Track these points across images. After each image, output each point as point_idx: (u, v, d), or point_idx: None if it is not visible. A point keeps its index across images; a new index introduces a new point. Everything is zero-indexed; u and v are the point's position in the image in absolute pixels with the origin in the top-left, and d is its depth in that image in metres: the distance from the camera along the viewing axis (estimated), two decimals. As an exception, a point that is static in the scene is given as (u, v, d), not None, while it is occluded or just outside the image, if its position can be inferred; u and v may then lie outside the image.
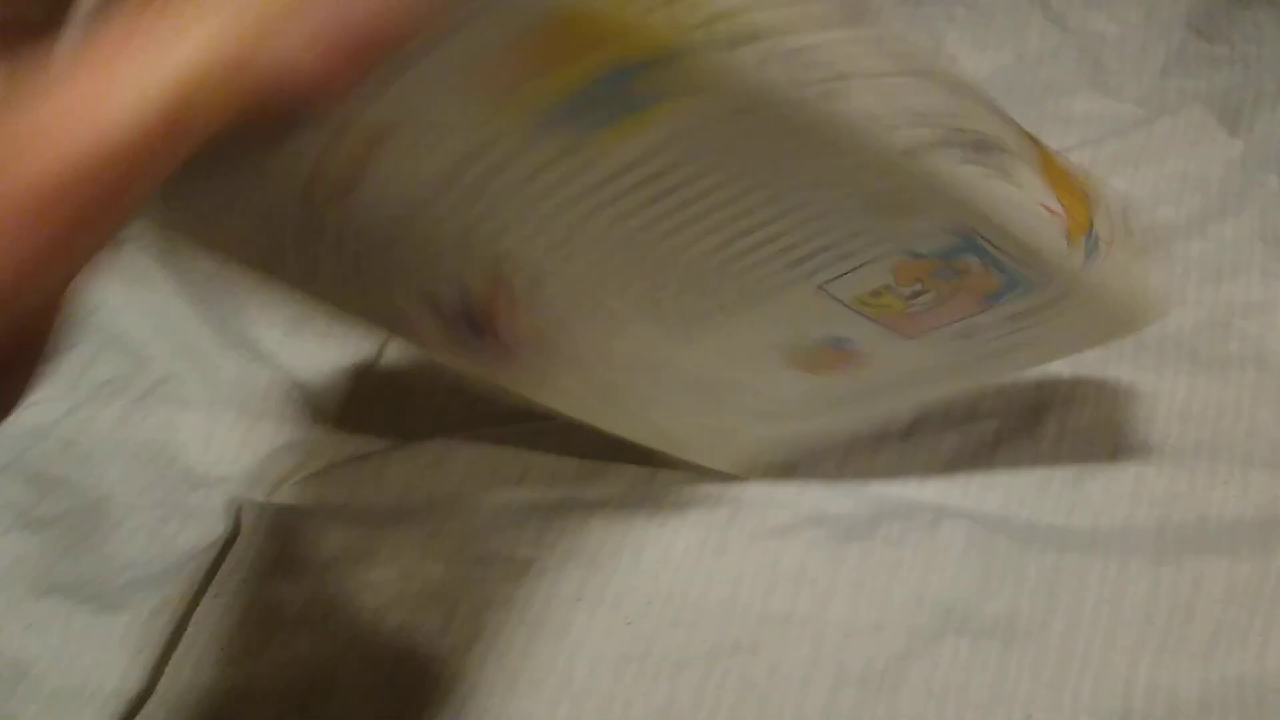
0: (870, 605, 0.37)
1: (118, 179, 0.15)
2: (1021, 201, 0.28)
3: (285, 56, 0.16)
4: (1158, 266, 0.33)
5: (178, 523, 0.42)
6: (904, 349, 0.33)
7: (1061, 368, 0.43)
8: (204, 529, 0.41)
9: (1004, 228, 0.28)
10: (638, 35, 0.20)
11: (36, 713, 0.37)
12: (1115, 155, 0.50)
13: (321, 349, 0.45)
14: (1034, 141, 0.29)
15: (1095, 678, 0.35)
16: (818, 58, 0.22)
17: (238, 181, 0.21)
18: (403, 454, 0.42)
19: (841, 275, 0.29)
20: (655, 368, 0.33)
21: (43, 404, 0.43)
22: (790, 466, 0.40)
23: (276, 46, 0.16)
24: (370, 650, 0.38)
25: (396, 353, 0.45)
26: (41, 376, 0.19)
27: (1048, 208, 0.28)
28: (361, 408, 0.44)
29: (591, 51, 0.21)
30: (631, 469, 0.41)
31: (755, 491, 0.40)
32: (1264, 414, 0.41)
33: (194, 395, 0.44)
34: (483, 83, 0.21)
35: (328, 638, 0.38)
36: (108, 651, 0.38)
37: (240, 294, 0.46)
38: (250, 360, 0.44)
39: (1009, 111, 0.28)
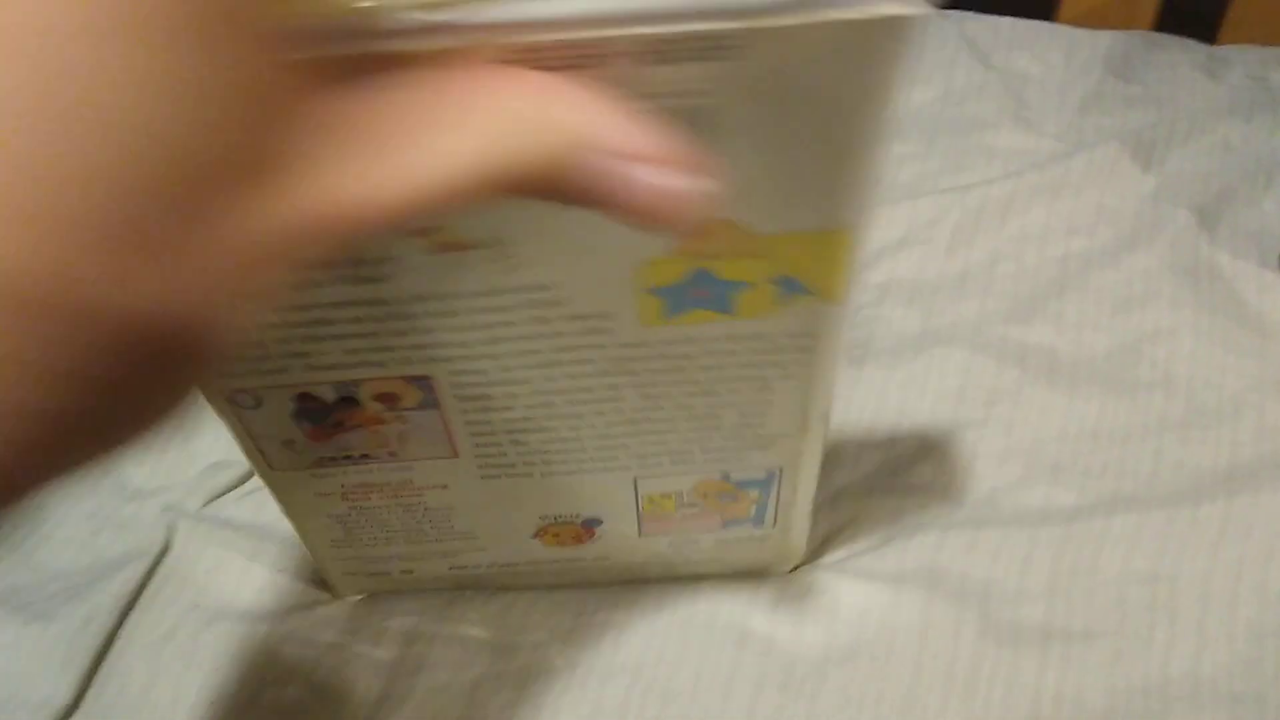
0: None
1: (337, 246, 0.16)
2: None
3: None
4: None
5: (110, 534, 0.42)
6: (631, 542, 0.37)
7: (979, 391, 0.44)
8: (136, 540, 0.41)
9: (809, 469, 0.34)
10: None
11: (-38, 722, 0.37)
12: (1035, 187, 0.52)
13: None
14: None
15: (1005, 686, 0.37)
16: None
17: None
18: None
19: (653, 483, 0.34)
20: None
21: None
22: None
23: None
24: (301, 663, 0.38)
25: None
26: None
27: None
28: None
29: None
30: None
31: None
32: (1169, 437, 0.43)
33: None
34: None
35: (259, 649, 0.38)
36: (35, 662, 0.38)
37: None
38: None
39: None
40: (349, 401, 0.29)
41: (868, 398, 0.45)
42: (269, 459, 0.31)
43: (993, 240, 0.50)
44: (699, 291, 0.27)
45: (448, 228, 0.25)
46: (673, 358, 0.29)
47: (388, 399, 0.29)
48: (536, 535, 0.36)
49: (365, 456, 0.31)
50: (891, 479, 0.42)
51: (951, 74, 0.58)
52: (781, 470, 0.34)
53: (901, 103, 0.57)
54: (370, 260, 0.25)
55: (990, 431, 0.43)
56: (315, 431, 0.30)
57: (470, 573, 0.38)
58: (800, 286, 0.26)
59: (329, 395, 0.29)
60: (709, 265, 0.26)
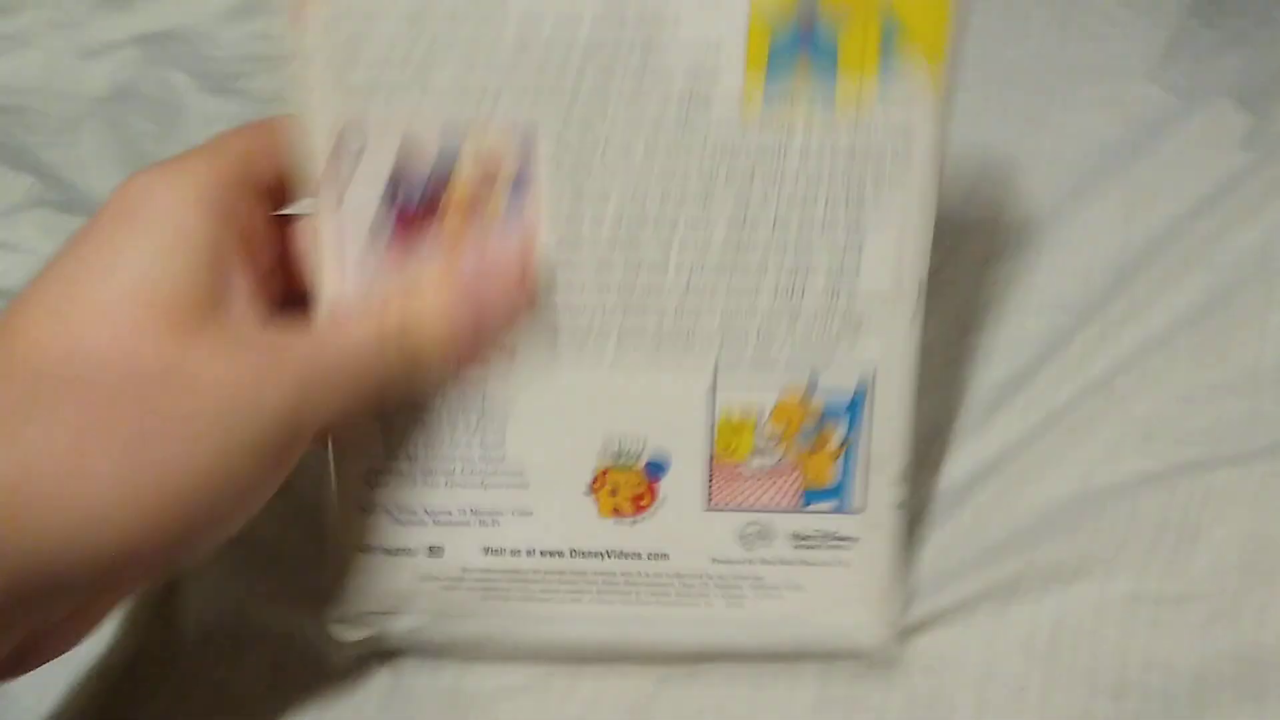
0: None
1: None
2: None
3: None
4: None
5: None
6: (695, 518, 0.32)
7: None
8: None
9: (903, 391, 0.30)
10: None
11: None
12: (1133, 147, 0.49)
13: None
14: None
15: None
16: None
17: None
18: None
19: (734, 387, 0.30)
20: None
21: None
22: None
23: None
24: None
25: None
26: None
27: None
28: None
29: None
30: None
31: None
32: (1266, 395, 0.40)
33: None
34: None
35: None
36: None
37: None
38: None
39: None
40: (443, 172, 0.28)
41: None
42: None
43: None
44: (802, 38, 0.26)
45: None
46: (770, 151, 0.28)
47: (490, 166, 0.28)
48: (593, 489, 0.32)
49: None
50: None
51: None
52: (873, 385, 0.30)
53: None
54: None
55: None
56: (403, 224, 0.28)
57: (506, 565, 0.32)
58: (901, 28, 0.26)
59: (430, 152, 0.27)
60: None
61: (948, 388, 0.42)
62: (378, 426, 0.31)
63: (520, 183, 0.28)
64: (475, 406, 0.31)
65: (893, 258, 0.29)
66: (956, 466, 0.40)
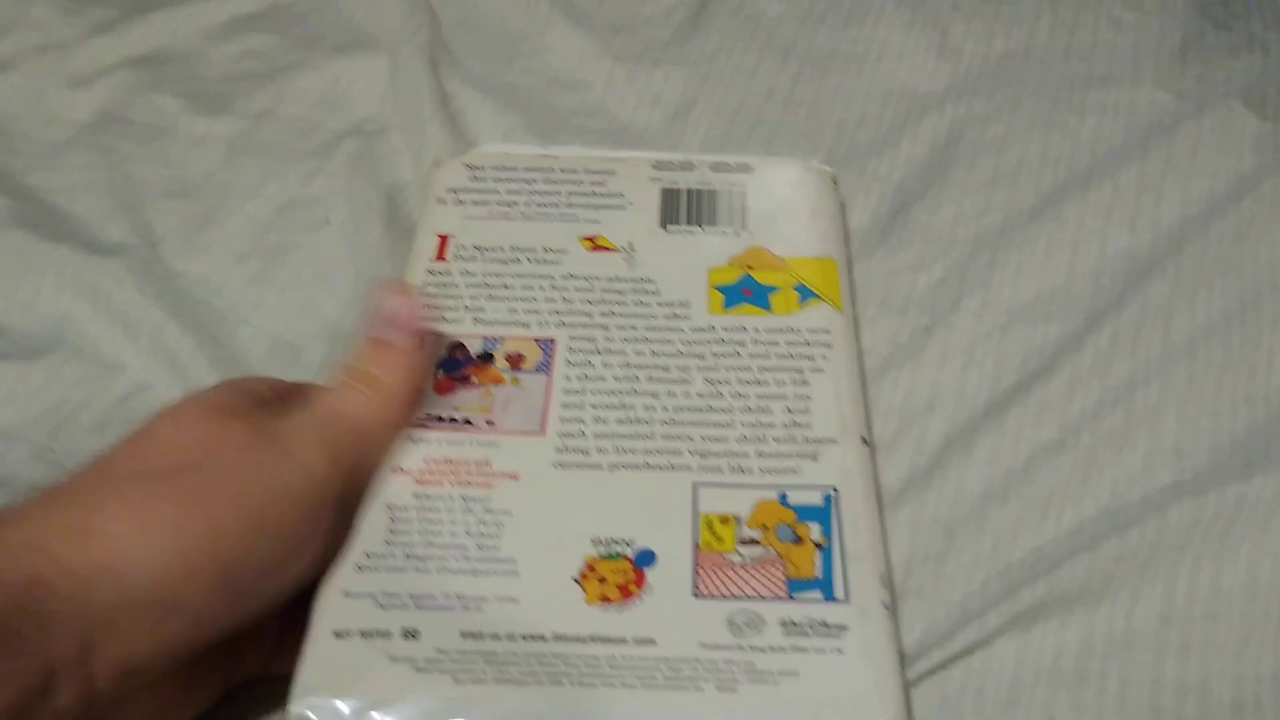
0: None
1: None
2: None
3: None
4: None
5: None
6: (683, 605, 0.32)
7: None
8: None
9: (867, 504, 0.35)
10: None
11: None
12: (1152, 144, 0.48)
13: (303, 366, 0.44)
14: None
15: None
16: None
17: None
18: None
19: (717, 485, 0.35)
20: None
21: (10, 409, 0.41)
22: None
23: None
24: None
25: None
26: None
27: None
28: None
29: None
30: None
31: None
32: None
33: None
34: None
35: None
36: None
37: (223, 303, 0.45)
38: (232, 373, 0.43)
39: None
40: (486, 358, 0.39)
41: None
42: None
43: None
44: (746, 290, 0.41)
45: (602, 235, 0.43)
46: (730, 343, 0.39)
47: (515, 359, 0.39)
48: (582, 577, 0.33)
49: (467, 421, 0.37)
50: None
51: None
52: (837, 497, 0.35)
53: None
54: (552, 249, 0.42)
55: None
56: (444, 383, 0.38)
57: (484, 649, 0.31)
58: (812, 293, 0.41)
59: (476, 348, 0.39)
60: (753, 273, 0.42)
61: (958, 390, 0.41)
62: (385, 516, 0.34)
63: (540, 368, 0.39)
64: (477, 509, 0.35)
65: (835, 413, 0.37)
66: (971, 479, 0.38)
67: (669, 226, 0.43)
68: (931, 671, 0.34)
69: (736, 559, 0.33)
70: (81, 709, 0.26)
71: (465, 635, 0.32)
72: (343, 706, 0.30)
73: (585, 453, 0.36)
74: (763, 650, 0.31)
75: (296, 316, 0.45)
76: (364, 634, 0.32)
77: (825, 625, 0.32)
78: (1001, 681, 0.33)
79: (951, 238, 0.46)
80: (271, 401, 0.33)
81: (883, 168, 0.49)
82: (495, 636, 0.32)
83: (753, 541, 0.34)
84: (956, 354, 0.42)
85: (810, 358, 0.39)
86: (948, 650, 0.34)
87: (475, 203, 0.44)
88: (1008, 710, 0.33)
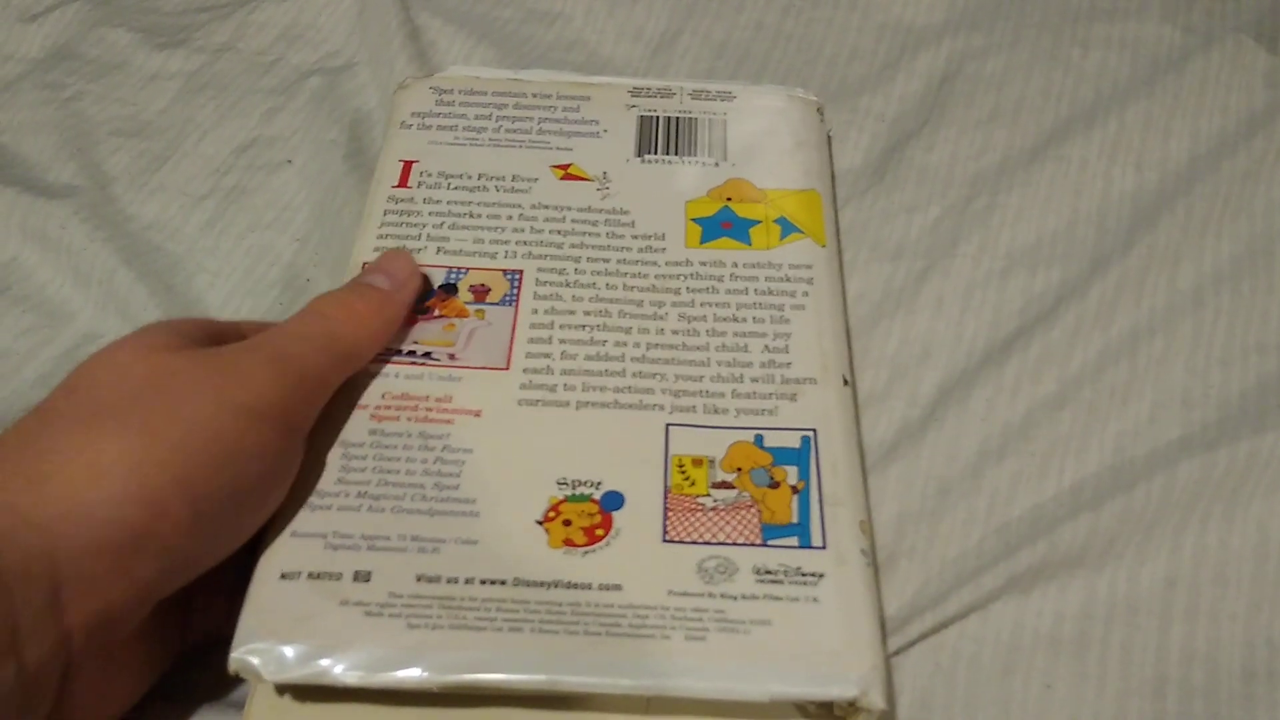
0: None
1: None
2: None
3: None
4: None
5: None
6: (651, 550, 0.31)
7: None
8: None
9: (847, 447, 0.33)
10: None
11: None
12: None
13: (263, 306, 0.41)
14: None
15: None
16: None
17: None
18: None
19: (691, 425, 0.34)
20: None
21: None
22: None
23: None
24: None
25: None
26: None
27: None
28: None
29: None
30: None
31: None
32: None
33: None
34: None
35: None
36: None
37: (179, 248, 0.43)
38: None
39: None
40: (449, 289, 0.37)
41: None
42: None
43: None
44: (725, 223, 0.39)
45: (574, 163, 0.41)
46: (707, 278, 0.37)
47: (480, 291, 0.37)
48: (545, 519, 0.31)
49: (428, 355, 0.35)
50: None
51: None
52: (816, 438, 0.33)
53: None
54: (521, 177, 0.40)
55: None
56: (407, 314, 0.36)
57: (440, 593, 0.30)
58: (793, 227, 0.39)
59: (439, 279, 0.37)
60: (732, 205, 0.39)
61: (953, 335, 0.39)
62: (339, 453, 0.32)
63: (506, 301, 0.37)
64: (436, 446, 0.33)
65: (816, 352, 0.35)
66: (967, 433, 0.36)
67: (645, 156, 0.41)
68: (924, 636, 0.32)
69: (709, 502, 0.32)
70: (59, 669, 0.25)
71: (420, 579, 0.30)
72: (288, 652, 0.28)
73: (552, 389, 0.34)
74: (734, 598, 0.30)
75: (255, 262, 0.42)
76: (312, 576, 0.30)
77: (801, 573, 0.30)
78: (998, 648, 0.32)
79: (948, 178, 0.43)
80: (204, 341, 0.31)
81: (876, 104, 0.46)
82: (452, 580, 0.30)
83: (726, 485, 0.32)
84: (953, 301, 0.40)
85: (791, 294, 0.37)
86: (941, 614, 0.32)
87: (441, 127, 0.42)
88: (1004, 678, 0.31)
